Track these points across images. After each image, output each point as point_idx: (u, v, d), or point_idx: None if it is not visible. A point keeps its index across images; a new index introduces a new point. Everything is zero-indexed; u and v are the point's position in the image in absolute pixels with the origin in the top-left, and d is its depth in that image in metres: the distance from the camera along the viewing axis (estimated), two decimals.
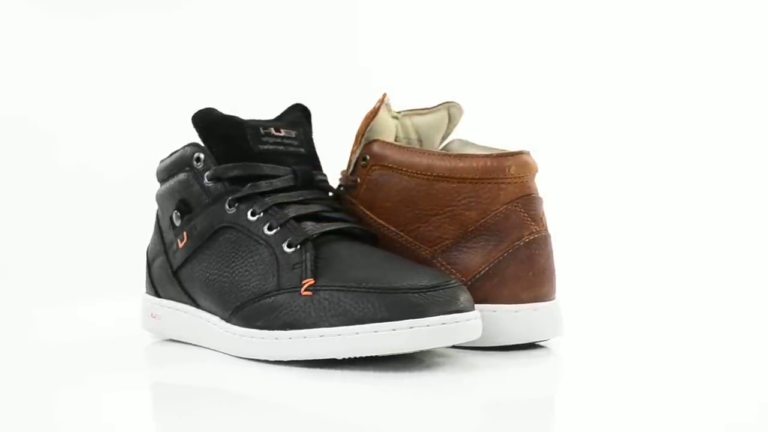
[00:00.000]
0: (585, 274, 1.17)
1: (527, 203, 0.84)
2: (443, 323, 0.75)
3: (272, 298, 0.78)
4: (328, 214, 0.82)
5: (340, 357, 0.75)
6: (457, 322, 0.75)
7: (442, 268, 0.83)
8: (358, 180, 0.87)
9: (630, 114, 1.42)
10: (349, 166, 0.89)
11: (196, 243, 0.83)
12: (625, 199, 1.39)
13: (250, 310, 0.79)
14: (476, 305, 0.82)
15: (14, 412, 0.67)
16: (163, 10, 1.32)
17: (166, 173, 0.87)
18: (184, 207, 0.85)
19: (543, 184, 0.87)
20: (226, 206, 0.82)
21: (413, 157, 0.85)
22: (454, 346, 0.81)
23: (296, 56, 1.37)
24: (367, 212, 0.86)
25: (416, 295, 0.74)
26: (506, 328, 0.83)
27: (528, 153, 0.84)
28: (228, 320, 0.81)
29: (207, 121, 0.83)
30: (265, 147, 0.82)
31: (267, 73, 1.32)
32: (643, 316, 1.05)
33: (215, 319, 0.82)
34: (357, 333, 0.74)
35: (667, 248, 1.31)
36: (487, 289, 0.83)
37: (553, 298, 0.85)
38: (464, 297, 0.77)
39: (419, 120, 0.91)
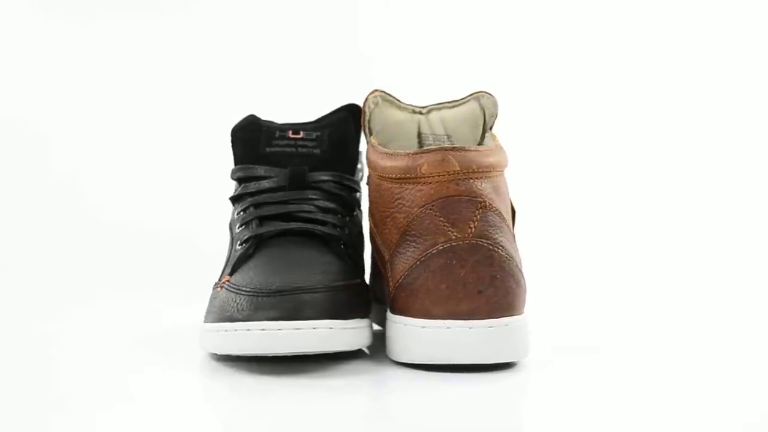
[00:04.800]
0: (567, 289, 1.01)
1: (445, 206, 0.74)
2: (263, 329, 0.72)
3: (212, 292, 0.82)
4: (304, 215, 0.83)
5: (220, 353, 0.77)
6: (263, 330, 0.72)
7: (388, 274, 0.78)
8: None
9: (624, 120, 1.35)
10: None
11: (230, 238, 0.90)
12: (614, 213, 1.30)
13: None
14: (395, 317, 0.77)
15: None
16: (168, 14, 1.32)
17: None
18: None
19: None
20: (232, 206, 0.87)
21: (372, 155, 0.80)
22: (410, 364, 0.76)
23: (327, 57, 1.28)
24: (368, 212, 0.84)
25: (262, 298, 0.73)
26: (411, 345, 0.75)
27: (452, 150, 0.74)
28: None
29: (237, 126, 0.88)
30: (273, 149, 0.85)
31: (289, 76, 1.26)
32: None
33: None
34: (216, 331, 0.76)
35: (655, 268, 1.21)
36: (402, 299, 0.76)
37: (490, 317, 0.73)
38: (311, 306, 0.73)
39: (447, 114, 0.85)
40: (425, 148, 0.75)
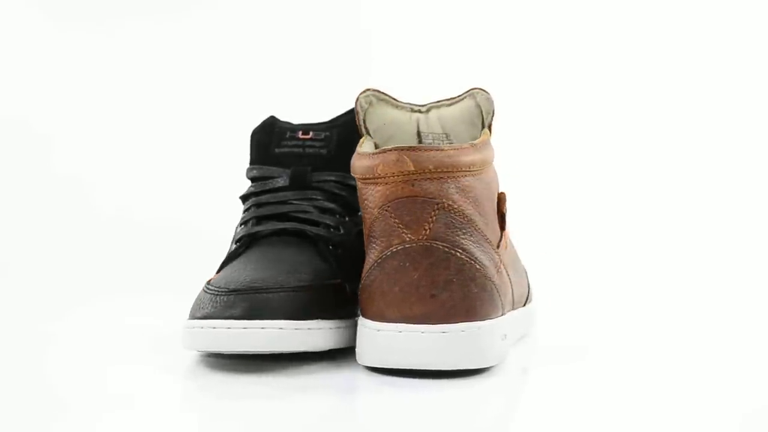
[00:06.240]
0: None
1: (398, 207, 0.72)
2: (214, 327, 0.73)
3: None
4: (301, 215, 0.83)
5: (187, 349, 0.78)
6: (214, 327, 0.73)
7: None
8: None
9: (623, 117, 1.33)
10: None
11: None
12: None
13: None
14: (360, 319, 0.76)
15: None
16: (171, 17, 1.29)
17: None
18: None
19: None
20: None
21: (353, 156, 0.80)
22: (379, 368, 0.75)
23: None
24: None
25: (220, 297, 0.74)
26: (367, 349, 0.74)
27: (408, 149, 0.72)
28: None
29: (257, 127, 0.90)
30: (281, 150, 0.86)
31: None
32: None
33: None
34: (184, 328, 0.77)
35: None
36: (363, 301, 0.75)
37: (445, 322, 0.71)
38: (264, 306, 0.73)
39: (445, 112, 0.83)
40: (383, 148, 0.74)
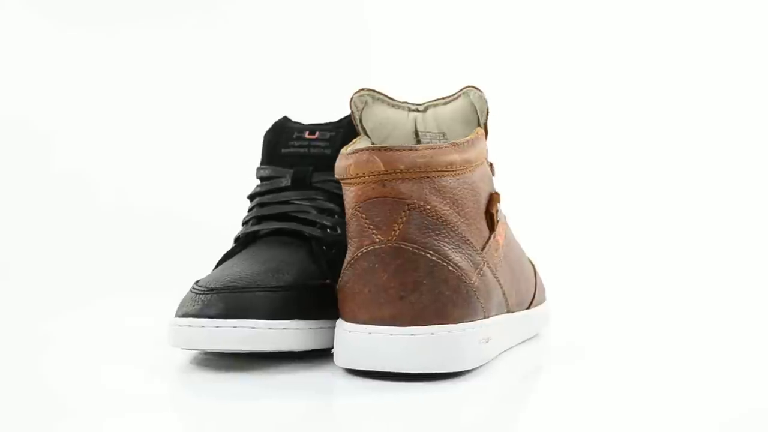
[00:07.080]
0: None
1: (369, 208, 0.72)
2: (189, 326, 0.74)
3: None
4: (300, 215, 0.83)
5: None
6: (190, 326, 0.74)
7: None
8: None
9: (621, 115, 1.33)
10: None
11: None
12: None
13: None
14: (338, 320, 0.75)
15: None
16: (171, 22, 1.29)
17: None
18: None
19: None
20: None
21: None
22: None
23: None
24: None
25: (198, 295, 0.75)
26: (340, 349, 0.73)
27: (378, 150, 0.71)
28: None
29: (270, 128, 0.91)
30: (287, 150, 0.87)
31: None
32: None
33: None
34: (168, 325, 0.78)
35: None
36: (339, 302, 0.74)
37: (414, 324, 0.70)
38: (239, 304, 0.73)
39: (441, 110, 0.82)
40: (356, 148, 0.73)
